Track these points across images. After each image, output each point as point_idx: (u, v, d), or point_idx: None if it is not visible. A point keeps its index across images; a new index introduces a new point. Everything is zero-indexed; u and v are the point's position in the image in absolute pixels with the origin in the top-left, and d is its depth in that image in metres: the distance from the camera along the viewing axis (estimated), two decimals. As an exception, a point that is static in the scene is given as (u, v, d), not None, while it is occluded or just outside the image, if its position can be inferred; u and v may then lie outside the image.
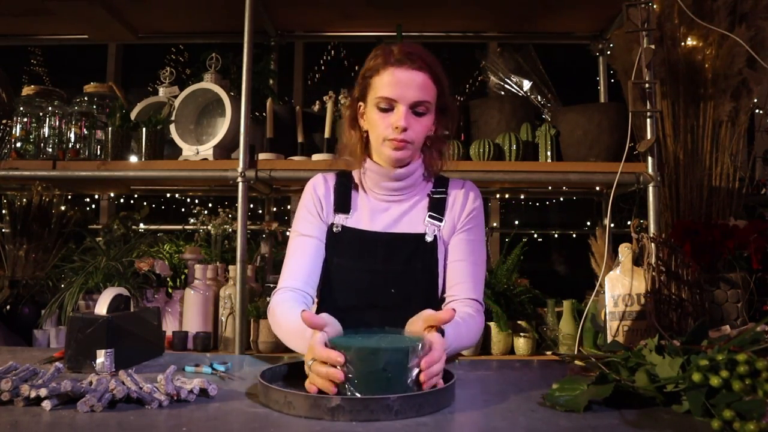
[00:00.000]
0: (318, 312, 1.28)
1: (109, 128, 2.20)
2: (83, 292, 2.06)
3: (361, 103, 1.33)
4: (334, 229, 1.31)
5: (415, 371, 0.90)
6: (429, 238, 1.29)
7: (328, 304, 1.29)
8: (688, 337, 1.06)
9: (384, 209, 1.33)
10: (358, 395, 0.86)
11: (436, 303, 1.29)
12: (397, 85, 1.24)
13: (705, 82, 2.19)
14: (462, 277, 1.29)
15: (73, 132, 2.29)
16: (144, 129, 2.19)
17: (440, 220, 1.31)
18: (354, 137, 1.35)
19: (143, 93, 2.71)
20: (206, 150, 2.19)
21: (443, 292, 1.32)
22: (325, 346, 0.91)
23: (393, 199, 1.33)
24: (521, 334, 2.15)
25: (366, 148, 1.34)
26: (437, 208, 1.32)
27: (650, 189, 2.01)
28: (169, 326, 2.24)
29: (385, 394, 0.86)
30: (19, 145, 2.27)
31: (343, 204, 1.33)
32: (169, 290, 2.29)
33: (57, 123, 2.30)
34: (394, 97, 1.24)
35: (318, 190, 1.36)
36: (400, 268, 1.27)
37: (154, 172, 2.15)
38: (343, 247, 1.30)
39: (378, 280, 1.27)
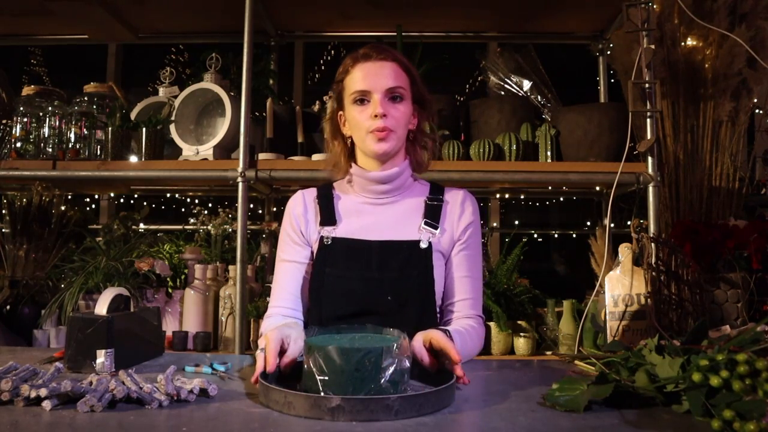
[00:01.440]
0: (316, 320, 1.29)
1: (109, 128, 2.20)
2: (83, 292, 2.06)
3: (340, 112, 1.35)
4: (325, 241, 1.30)
5: (390, 371, 0.90)
6: (423, 245, 1.28)
7: (325, 313, 1.28)
8: (688, 337, 1.06)
9: (373, 213, 1.33)
10: (332, 394, 0.87)
11: (432, 308, 1.29)
12: (368, 76, 1.26)
13: (705, 82, 2.19)
14: (467, 293, 1.32)
15: (73, 132, 2.29)
16: (144, 129, 2.19)
17: (435, 227, 1.31)
18: (337, 147, 1.36)
19: (143, 93, 2.71)
20: (206, 150, 2.19)
21: (443, 301, 1.33)
22: (279, 345, 1.04)
23: (381, 202, 1.33)
24: (521, 334, 2.15)
25: (351, 157, 1.35)
26: (433, 215, 1.32)
27: (650, 189, 2.01)
28: (169, 326, 2.24)
29: (358, 394, 0.87)
30: (19, 145, 2.27)
31: (328, 217, 1.33)
32: (169, 290, 2.29)
33: (57, 123, 2.30)
34: (367, 88, 1.26)
35: (296, 209, 1.36)
36: (395, 274, 1.27)
37: (154, 172, 2.15)
38: (336, 257, 1.29)
39: (373, 287, 1.26)
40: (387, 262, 1.27)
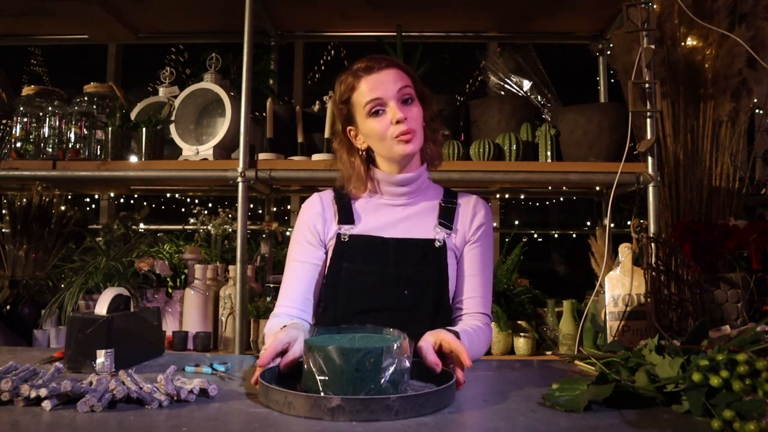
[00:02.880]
0: (331, 316, 1.30)
1: (109, 128, 2.20)
2: (83, 292, 2.06)
3: (350, 127, 1.36)
4: (342, 238, 1.32)
5: (390, 371, 0.90)
6: (438, 244, 1.32)
7: (341, 308, 1.29)
8: (688, 337, 1.06)
9: (390, 213, 1.35)
10: (331, 394, 0.87)
11: (447, 306, 1.32)
12: (377, 86, 1.28)
13: (705, 82, 2.19)
14: (475, 292, 1.33)
15: (73, 132, 2.29)
16: (144, 129, 2.18)
17: (450, 228, 1.34)
18: (356, 162, 1.36)
19: (143, 93, 2.71)
20: (206, 150, 2.19)
21: (454, 299, 1.34)
22: (283, 346, 1.03)
23: (398, 203, 1.36)
24: (521, 334, 2.15)
25: (368, 167, 1.37)
26: (447, 216, 1.35)
27: (650, 189, 2.01)
28: (169, 326, 2.24)
29: (358, 395, 0.87)
30: (19, 145, 2.27)
31: (346, 216, 1.35)
32: (169, 290, 2.29)
33: (57, 123, 2.30)
34: (380, 96, 1.28)
35: (313, 209, 1.37)
36: (411, 270, 1.29)
37: (154, 172, 2.15)
38: (354, 253, 1.31)
39: (390, 282, 1.28)
40: (403, 259, 1.30)
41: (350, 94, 1.32)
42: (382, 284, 1.28)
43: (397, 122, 1.26)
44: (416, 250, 1.31)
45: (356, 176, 1.35)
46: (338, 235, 1.33)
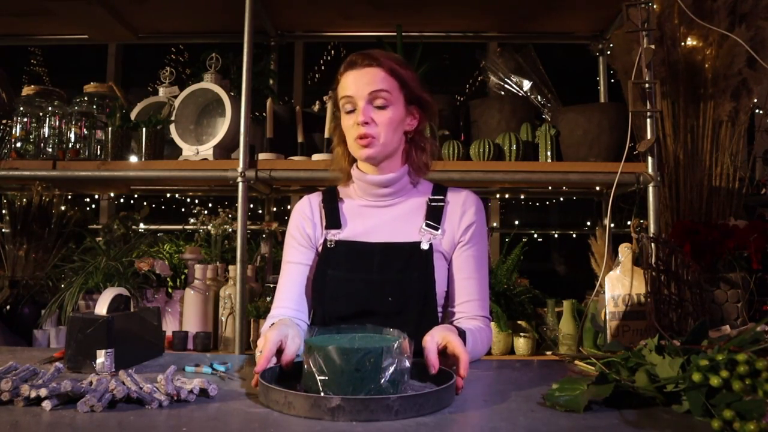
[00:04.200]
0: (319, 321, 1.30)
1: (109, 128, 2.20)
2: (83, 292, 2.06)
3: None
4: (328, 244, 1.32)
5: (390, 371, 0.90)
6: (424, 246, 1.28)
7: (326, 314, 1.29)
8: (688, 337, 1.06)
9: (376, 215, 1.33)
10: (332, 394, 0.87)
11: (433, 309, 1.29)
12: (352, 83, 1.27)
13: (705, 82, 2.19)
14: (471, 295, 1.31)
15: (73, 132, 2.29)
16: (144, 129, 2.19)
17: (437, 229, 1.31)
18: (339, 152, 1.38)
19: (143, 93, 2.71)
20: (206, 150, 2.19)
21: (448, 303, 1.33)
22: (276, 346, 1.02)
23: (383, 204, 1.34)
24: (521, 334, 2.15)
25: (353, 161, 1.37)
26: (434, 216, 1.32)
27: (650, 189, 2.01)
28: (169, 326, 2.24)
29: (359, 395, 0.87)
30: (19, 145, 2.27)
31: (333, 220, 1.34)
32: (169, 290, 2.29)
33: (57, 123, 2.30)
34: (350, 94, 1.27)
35: (303, 213, 1.38)
36: (396, 276, 1.27)
37: (154, 172, 2.15)
38: (339, 259, 1.30)
39: (375, 289, 1.27)
40: (388, 264, 1.27)
41: (336, 85, 1.33)
42: (366, 291, 1.27)
43: (358, 124, 1.25)
44: (401, 254, 1.28)
45: (337, 164, 1.38)
46: (325, 241, 1.32)
